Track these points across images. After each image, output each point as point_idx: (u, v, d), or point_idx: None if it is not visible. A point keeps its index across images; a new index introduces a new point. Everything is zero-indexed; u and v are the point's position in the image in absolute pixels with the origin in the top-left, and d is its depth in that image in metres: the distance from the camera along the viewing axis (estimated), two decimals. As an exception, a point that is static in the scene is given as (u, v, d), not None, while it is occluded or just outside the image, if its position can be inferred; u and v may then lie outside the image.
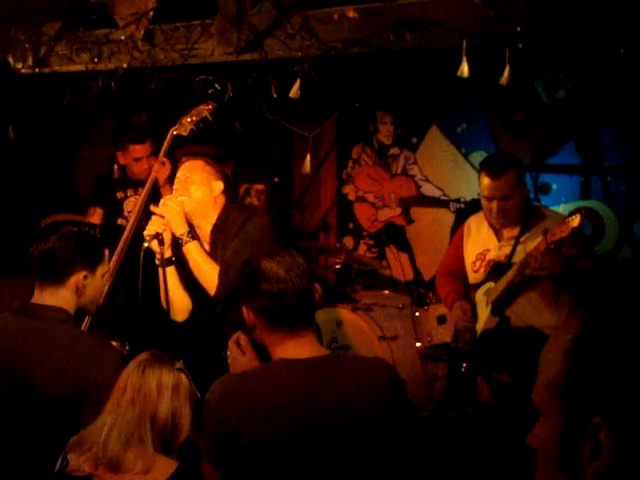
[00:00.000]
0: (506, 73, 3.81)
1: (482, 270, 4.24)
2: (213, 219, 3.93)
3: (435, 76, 5.31)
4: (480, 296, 4.26)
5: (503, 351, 4.04)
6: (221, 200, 3.95)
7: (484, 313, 4.20)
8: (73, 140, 6.84)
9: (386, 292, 5.74)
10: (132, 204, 5.25)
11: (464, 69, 3.86)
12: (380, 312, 5.30)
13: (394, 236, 6.26)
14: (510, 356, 3.95)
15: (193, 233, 3.88)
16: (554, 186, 5.60)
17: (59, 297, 2.81)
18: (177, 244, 3.83)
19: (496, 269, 4.15)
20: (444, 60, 4.04)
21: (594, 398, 1.17)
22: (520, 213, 4.08)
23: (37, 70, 5.23)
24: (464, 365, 4.39)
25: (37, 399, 2.64)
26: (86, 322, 4.23)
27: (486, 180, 4.05)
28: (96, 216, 5.40)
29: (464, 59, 3.84)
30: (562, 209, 5.29)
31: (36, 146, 6.52)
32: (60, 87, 5.06)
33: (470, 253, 4.34)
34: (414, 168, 6.18)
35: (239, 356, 2.63)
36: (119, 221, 5.36)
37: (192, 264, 3.84)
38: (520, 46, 3.77)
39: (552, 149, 5.60)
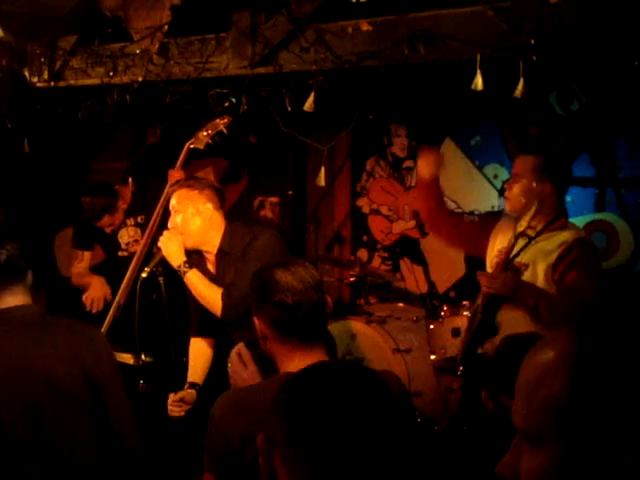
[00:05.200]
0: (520, 86, 3.81)
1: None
2: (217, 241, 3.90)
3: (449, 89, 5.31)
4: None
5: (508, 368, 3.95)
6: (218, 219, 3.92)
7: None
8: (88, 153, 6.87)
9: (400, 305, 5.72)
10: (126, 235, 5.20)
11: (478, 82, 3.86)
12: (394, 324, 5.29)
13: (408, 249, 6.25)
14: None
15: (190, 261, 3.87)
16: (568, 198, 5.55)
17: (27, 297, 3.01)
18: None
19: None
20: (458, 73, 4.05)
21: (603, 418, 1.11)
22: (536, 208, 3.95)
23: (52, 84, 5.26)
24: (460, 368, 4.33)
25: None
26: (107, 321, 4.33)
27: None
28: (85, 260, 5.27)
29: (478, 72, 3.84)
30: (577, 221, 5.27)
31: (51, 159, 6.56)
32: (75, 101, 5.09)
33: (494, 246, 4.19)
34: (428, 181, 6.16)
35: (240, 369, 2.61)
36: (119, 253, 5.24)
37: (195, 292, 3.87)
38: (534, 59, 3.77)
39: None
